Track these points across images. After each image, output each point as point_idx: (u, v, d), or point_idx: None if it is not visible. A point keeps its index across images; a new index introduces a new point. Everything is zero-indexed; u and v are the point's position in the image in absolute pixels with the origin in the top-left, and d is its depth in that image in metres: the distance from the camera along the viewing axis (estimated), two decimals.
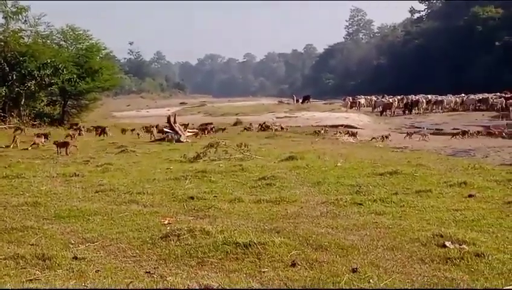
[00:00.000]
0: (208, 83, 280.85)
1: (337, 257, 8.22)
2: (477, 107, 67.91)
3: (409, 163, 19.13)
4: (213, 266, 8.01)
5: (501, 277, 7.36)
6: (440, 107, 66.82)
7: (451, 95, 74.25)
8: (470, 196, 12.71)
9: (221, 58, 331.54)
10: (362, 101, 78.61)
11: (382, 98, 78.45)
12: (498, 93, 71.67)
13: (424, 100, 70.12)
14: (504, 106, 63.35)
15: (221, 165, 19.31)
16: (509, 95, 67.71)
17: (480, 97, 70.99)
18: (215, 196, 13.21)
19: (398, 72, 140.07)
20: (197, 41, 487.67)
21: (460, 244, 8.57)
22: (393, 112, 65.04)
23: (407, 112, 65.82)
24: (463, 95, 74.22)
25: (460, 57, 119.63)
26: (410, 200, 12.32)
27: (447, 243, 8.62)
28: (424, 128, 41.32)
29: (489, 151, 27.11)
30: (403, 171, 16.47)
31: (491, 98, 69.23)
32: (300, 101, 79.09)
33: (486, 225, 10.02)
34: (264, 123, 39.74)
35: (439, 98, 72.16)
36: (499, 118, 56.24)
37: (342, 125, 38.01)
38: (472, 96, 72.63)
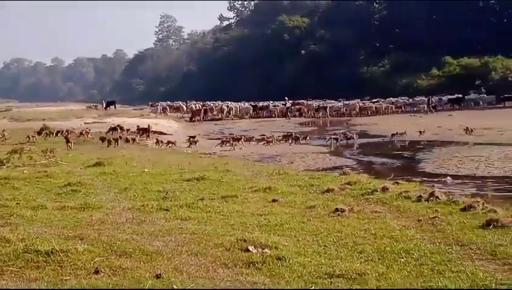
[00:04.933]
0: (13, 87, 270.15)
1: (141, 263, 8.22)
2: (259, 114, 72.22)
3: (216, 169, 19.38)
4: (13, 274, 7.81)
5: (301, 279, 7.62)
6: (226, 114, 70.44)
7: (245, 102, 78.21)
8: (274, 200, 13.04)
9: (27, 62, 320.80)
10: (176, 105, 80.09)
11: (187, 104, 79.36)
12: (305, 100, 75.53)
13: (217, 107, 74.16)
14: (284, 111, 70.52)
15: (25, 171, 18.78)
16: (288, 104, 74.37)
17: (261, 105, 75.42)
18: (17, 203, 12.83)
19: (208, 78, 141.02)
20: (2, 44, 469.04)
21: (263, 249, 8.79)
22: (202, 118, 65.69)
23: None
24: (251, 102, 78.23)
25: (269, 64, 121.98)
26: (216, 205, 12.50)
27: (250, 248, 8.81)
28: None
29: (294, 157, 27.90)
30: (209, 176, 16.69)
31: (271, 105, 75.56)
32: (104, 106, 77.79)
33: (289, 229, 10.31)
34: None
35: (227, 104, 75.77)
36: (303, 125, 58.11)
37: (151, 131, 37.79)
38: (247, 104, 76.62)
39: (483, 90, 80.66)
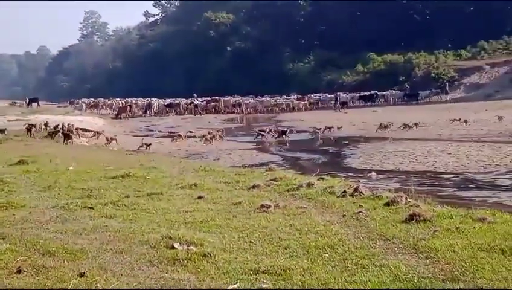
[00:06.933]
0: None
1: (65, 262, 8.10)
2: (167, 111, 72.61)
3: (142, 166, 19.26)
4: None
5: (226, 276, 7.60)
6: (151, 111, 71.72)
7: (167, 99, 79.51)
8: (200, 197, 12.98)
9: None
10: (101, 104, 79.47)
11: (109, 101, 78.87)
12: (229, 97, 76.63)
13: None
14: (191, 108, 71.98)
15: None
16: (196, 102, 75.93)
17: (169, 102, 76.97)
18: None
19: (134, 75, 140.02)
20: None
21: (188, 246, 8.75)
22: (128, 115, 65.26)
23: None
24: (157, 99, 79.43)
25: (194, 61, 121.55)
26: (141, 202, 12.38)
27: (176, 245, 8.76)
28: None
29: (221, 154, 27.95)
30: (135, 174, 16.55)
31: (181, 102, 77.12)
32: (27, 103, 76.17)
33: (215, 225, 10.28)
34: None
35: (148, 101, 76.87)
36: (229, 121, 58.34)
37: (76, 129, 37.34)
38: (168, 101, 78.20)
39: (406, 86, 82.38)
